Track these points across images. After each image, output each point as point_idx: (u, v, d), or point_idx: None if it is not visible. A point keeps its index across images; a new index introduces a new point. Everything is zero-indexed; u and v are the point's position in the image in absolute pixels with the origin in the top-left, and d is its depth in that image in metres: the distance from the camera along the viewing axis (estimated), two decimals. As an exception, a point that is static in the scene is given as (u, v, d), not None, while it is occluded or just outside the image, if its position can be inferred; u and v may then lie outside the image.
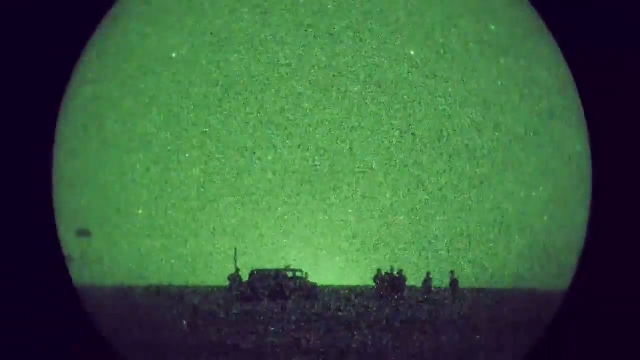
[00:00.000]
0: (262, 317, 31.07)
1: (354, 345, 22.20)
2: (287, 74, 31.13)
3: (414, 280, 44.03)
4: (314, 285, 47.19)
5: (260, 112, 32.77)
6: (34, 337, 24.18)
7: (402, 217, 34.08)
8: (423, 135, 32.22)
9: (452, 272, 41.87)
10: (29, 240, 25.14)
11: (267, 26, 30.63)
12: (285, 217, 35.71)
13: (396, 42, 29.26)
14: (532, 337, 24.39)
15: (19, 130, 25.49)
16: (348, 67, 31.52)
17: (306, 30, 29.64)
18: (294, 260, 41.10)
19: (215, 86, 31.81)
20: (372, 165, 33.03)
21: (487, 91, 30.62)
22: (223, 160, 33.31)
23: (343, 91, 31.38)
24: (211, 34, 30.99)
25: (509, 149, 31.88)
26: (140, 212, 33.30)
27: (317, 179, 34.04)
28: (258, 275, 46.29)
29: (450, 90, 30.77)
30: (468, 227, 34.04)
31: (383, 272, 46.77)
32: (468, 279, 37.63)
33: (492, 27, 29.84)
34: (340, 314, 33.10)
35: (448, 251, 35.60)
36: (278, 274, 46.28)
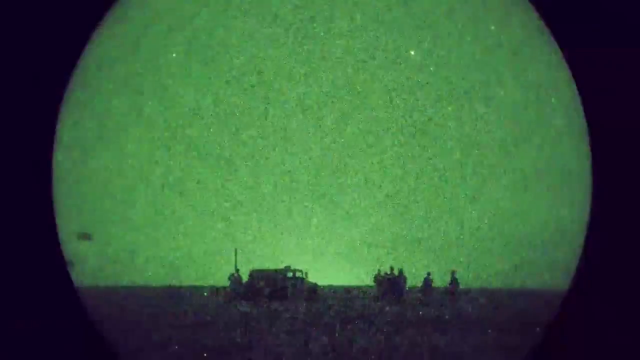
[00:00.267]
0: (261, 317, 31.11)
1: (353, 345, 22.22)
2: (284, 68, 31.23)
3: (414, 280, 44.10)
4: (314, 285, 47.27)
5: (259, 114, 32.83)
6: (34, 337, 24.19)
7: (402, 217, 34.11)
8: (424, 136, 32.28)
9: (453, 272, 41.92)
10: (29, 240, 25.16)
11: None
12: (286, 217, 35.75)
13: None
14: (532, 337, 24.41)
15: (18, 130, 25.51)
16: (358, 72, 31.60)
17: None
18: (294, 260, 41.15)
19: (219, 86, 31.88)
20: (372, 165, 33.07)
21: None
22: (223, 161, 33.35)
23: (344, 92, 31.43)
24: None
25: (510, 149, 31.91)
26: (140, 212, 33.33)
27: (317, 179, 34.09)
28: (258, 275, 46.35)
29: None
30: (468, 227, 34.08)
31: (383, 272, 46.86)
32: (468, 279, 37.66)
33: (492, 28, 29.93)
34: (339, 313, 33.12)
35: (448, 251, 35.65)
36: (277, 274, 46.34)
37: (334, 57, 31.55)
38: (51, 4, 26.03)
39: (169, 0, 31.85)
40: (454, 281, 42.78)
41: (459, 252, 36.06)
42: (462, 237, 35.10)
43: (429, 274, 44.34)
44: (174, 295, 47.17)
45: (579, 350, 24.26)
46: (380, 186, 34.79)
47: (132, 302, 38.07)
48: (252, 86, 32.79)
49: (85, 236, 32.57)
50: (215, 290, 43.99)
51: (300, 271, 46.94)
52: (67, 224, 30.61)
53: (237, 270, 45.92)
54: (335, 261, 38.63)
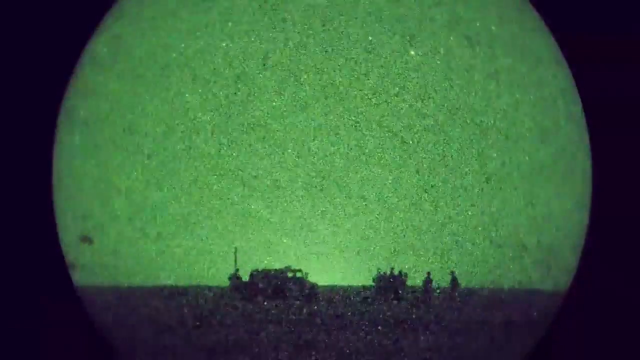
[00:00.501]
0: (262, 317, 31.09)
1: (353, 346, 22.19)
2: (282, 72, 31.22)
3: (414, 280, 44.04)
4: (314, 285, 47.18)
5: (259, 112, 32.84)
6: (34, 337, 24.19)
7: (402, 217, 34.09)
8: (424, 136, 32.27)
9: (453, 272, 41.87)
10: (29, 239, 25.16)
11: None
12: (286, 217, 35.75)
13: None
14: (532, 337, 24.39)
15: (18, 131, 25.51)
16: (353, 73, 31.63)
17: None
18: (294, 260, 41.19)
19: (218, 86, 31.87)
20: (372, 165, 33.07)
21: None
22: (222, 162, 33.35)
23: (346, 93, 31.44)
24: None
25: (510, 149, 31.92)
26: (140, 212, 33.33)
27: (317, 179, 34.09)
28: (258, 275, 46.30)
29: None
30: (468, 227, 34.07)
31: (383, 272, 46.81)
32: (468, 278, 37.67)
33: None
34: (339, 313, 33.08)
35: (448, 251, 35.61)
36: (277, 274, 46.30)
37: (334, 52, 31.57)
38: (51, 4, 26.04)
39: (169, 1, 31.87)
40: (453, 281, 42.75)
41: (459, 252, 36.05)
42: (462, 237, 35.11)
43: (429, 274, 44.27)
44: (174, 295, 47.02)
45: (579, 350, 24.26)
46: (381, 186, 34.79)
47: (132, 302, 37.98)
48: (254, 84, 32.81)
49: (86, 239, 32.58)
50: (214, 290, 44.05)
51: (300, 271, 46.80)
52: (67, 224, 30.61)
53: (237, 270, 45.85)
54: (335, 261, 38.63)
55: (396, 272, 44.26)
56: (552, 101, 31.37)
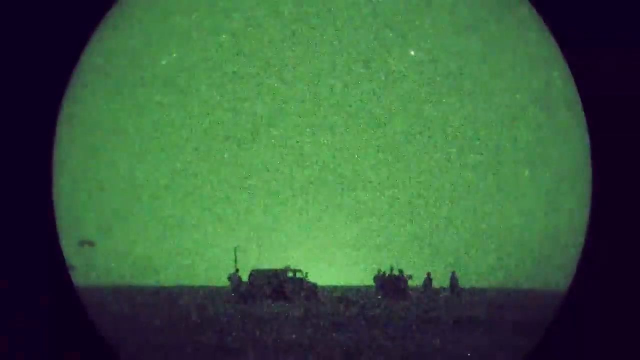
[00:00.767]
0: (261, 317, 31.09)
1: (353, 346, 22.22)
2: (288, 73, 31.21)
3: (414, 280, 44.09)
4: (314, 285, 47.25)
5: (259, 114, 32.82)
6: (34, 337, 24.18)
7: (402, 217, 34.11)
8: (424, 136, 32.26)
9: (453, 272, 41.91)
10: (29, 239, 25.15)
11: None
12: (285, 217, 35.74)
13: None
14: (532, 337, 24.40)
15: (18, 132, 25.50)
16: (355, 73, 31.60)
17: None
18: (294, 260, 41.14)
19: (219, 86, 31.87)
20: (372, 165, 33.07)
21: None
22: (223, 162, 33.35)
23: (346, 95, 31.44)
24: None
25: (510, 149, 31.90)
26: (141, 213, 33.32)
27: (317, 179, 34.08)
28: (258, 275, 46.33)
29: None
30: (468, 226, 34.08)
31: (383, 272, 46.83)
32: (468, 278, 37.65)
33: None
34: (339, 313, 33.11)
35: (448, 251, 35.63)
36: (277, 274, 46.32)
37: (336, 51, 31.55)
38: (51, 4, 26.01)
39: (170, 1, 31.86)
40: (453, 281, 42.78)
41: (459, 252, 36.06)
42: (462, 237, 35.11)
43: (429, 274, 44.32)
44: (174, 295, 47.14)
45: (579, 350, 24.25)
46: (381, 186, 34.80)
47: (132, 302, 38.05)
48: (252, 85, 32.80)
49: (86, 243, 32.57)
50: (214, 290, 44.06)
51: (300, 271, 46.92)
52: (67, 225, 30.60)
53: (237, 270, 45.90)
54: (335, 261, 38.62)
55: (396, 272, 44.20)
56: (552, 101, 31.36)
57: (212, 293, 49.61)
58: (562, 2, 26.75)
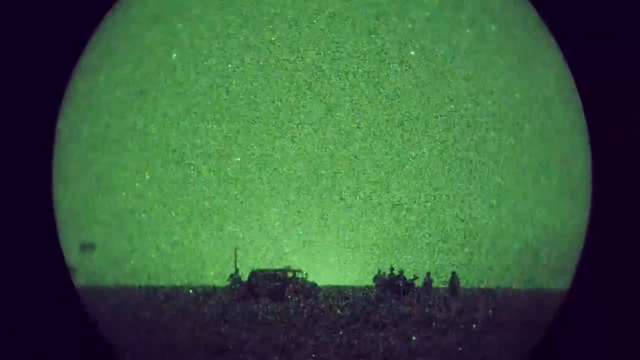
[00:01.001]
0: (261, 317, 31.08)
1: (353, 346, 22.20)
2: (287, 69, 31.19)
3: (412, 279, 44.04)
4: (314, 285, 47.19)
5: (257, 112, 32.79)
6: (34, 337, 24.16)
7: (402, 217, 34.09)
8: (424, 137, 32.24)
9: (453, 272, 41.88)
10: (29, 239, 25.13)
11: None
12: (286, 217, 35.73)
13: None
14: (532, 337, 24.39)
15: (18, 133, 25.48)
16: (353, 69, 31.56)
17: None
18: (294, 260, 41.14)
19: (219, 88, 31.83)
20: (372, 166, 33.04)
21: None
22: (223, 163, 33.32)
23: (345, 94, 31.40)
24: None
25: (509, 149, 31.90)
26: (141, 213, 33.32)
27: (318, 179, 34.06)
28: (258, 275, 46.30)
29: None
30: (468, 227, 34.07)
31: (383, 272, 46.79)
32: (468, 278, 37.64)
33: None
34: (339, 314, 33.08)
35: (448, 251, 35.63)
36: (277, 274, 46.30)
37: (337, 54, 31.52)
38: (51, 4, 26.00)
39: (170, 1, 31.83)
40: (454, 281, 42.74)
41: (459, 252, 36.03)
42: (462, 237, 35.08)
43: (429, 274, 44.27)
44: (174, 295, 47.05)
45: (579, 350, 24.24)
46: (381, 186, 34.77)
47: (132, 302, 38.00)
48: (253, 84, 32.77)
49: (87, 247, 32.55)
50: (214, 290, 44.09)
51: (300, 271, 46.85)
52: (68, 226, 30.57)
53: (237, 270, 45.85)
54: (335, 261, 38.58)
55: (396, 272, 44.22)
56: (552, 101, 31.34)
57: (212, 293, 49.52)
58: (562, 2, 26.75)
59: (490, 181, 33.01)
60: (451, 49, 30.92)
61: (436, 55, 30.35)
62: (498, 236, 33.82)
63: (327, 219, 35.41)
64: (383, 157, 33.30)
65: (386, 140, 33.04)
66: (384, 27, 29.78)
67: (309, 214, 35.72)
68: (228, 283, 45.49)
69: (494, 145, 32.28)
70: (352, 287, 58.76)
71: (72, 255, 31.22)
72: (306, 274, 47.68)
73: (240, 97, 32.14)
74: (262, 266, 46.05)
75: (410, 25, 29.64)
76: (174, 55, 31.42)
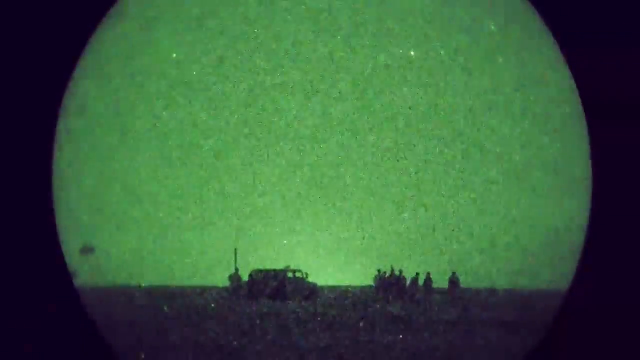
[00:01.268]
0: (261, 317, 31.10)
1: (353, 346, 22.22)
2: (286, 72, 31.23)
3: (411, 279, 44.08)
4: (314, 285, 47.25)
5: (258, 114, 32.82)
6: (34, 338, 24.18)
7: (402, 217, 34.12)
8: (424, 137, 32.27)
9: (453, 273, 41.89)
10: (29, 239, 25.14)
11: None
12: (285, 217, 35.75)
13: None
14: (532, 337, 24.40)
15: (18, 133, 25.49)
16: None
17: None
18: (294, 260, 41.13)
19: (218, 88, 31.87)
20: (373, 165, 33.08)
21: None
22: (223, 164, 33.36)
23: (346, 92, 31.43)
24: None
25: (511, 150, 31.91)
26: (141, 213, 33.32)
27: (318, 179, 34.09)
28: (258, 275, 46.34)
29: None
30: (469, 227, 34.08)
31: (383, 272, 46.81)
32: (468, 278, 37.66)
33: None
34: (339, 314, 33.12)
35: (448, 251, 35.63)
36: (277, 274, 46.33)
37: (338, 56, 31.55)
38: (51, 4, 26.02)
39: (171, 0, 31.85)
40: (454, 281, 42.77)
41: (459, 252, 36.05)
42: (462, 237, 35.11)
43: (429, 274, 44.30)
44: (174, 295, 47.14)
45: (579, 350, 24.25)
46: (381, 186, 34.80)
47: (132, 302, 38.04)
48: (253, 84, 32.80)
49: (87, 249, 32.57)
50: (214, 290, 44.08)
51: (300, 271, 46.93)
52: (68, 226, 30.60)
53: (237, 270, 45.92)
54: (335, 261, 38.62)
55: (396, 272, 44.19)
56: (552, 101, 31.35)
57: (212, 293, 49.59)
58: (562, 2, 26.75)
59: (490, 181, 33.04)
60: (451, 49, 30.98)
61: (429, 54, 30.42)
62: (498, 236, 33.83)
63: (327, 219, 35.45)
64: (383, 156, 33.33)
65: (386, 140, 33.08)
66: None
67: (309, 214, 35.75)
68: (228, 283, 45.55)
69: (494, 146, 32.30)
70: (352, 287, 58.57)
71: (72, 256, 31.26)
72: (306, 274, 47.76)
73: (243, 99, 32.20)
74: (262, 266, 46.09)
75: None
76: (174, 55, 31.45)
